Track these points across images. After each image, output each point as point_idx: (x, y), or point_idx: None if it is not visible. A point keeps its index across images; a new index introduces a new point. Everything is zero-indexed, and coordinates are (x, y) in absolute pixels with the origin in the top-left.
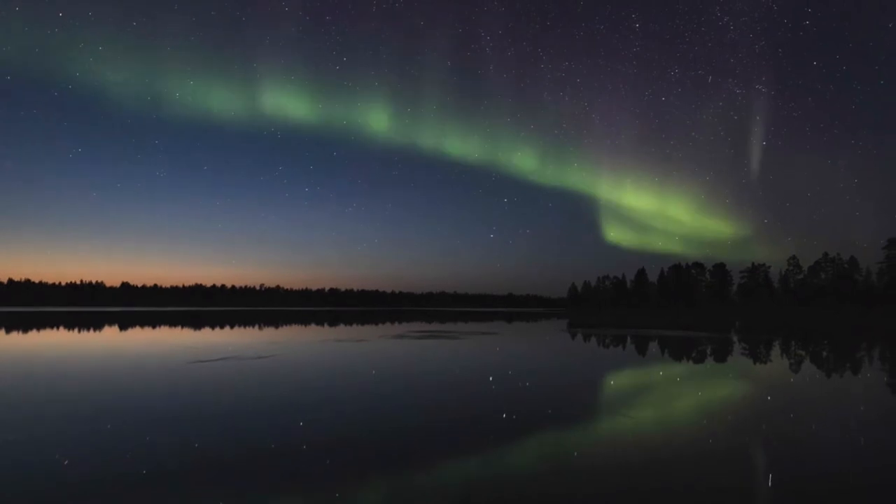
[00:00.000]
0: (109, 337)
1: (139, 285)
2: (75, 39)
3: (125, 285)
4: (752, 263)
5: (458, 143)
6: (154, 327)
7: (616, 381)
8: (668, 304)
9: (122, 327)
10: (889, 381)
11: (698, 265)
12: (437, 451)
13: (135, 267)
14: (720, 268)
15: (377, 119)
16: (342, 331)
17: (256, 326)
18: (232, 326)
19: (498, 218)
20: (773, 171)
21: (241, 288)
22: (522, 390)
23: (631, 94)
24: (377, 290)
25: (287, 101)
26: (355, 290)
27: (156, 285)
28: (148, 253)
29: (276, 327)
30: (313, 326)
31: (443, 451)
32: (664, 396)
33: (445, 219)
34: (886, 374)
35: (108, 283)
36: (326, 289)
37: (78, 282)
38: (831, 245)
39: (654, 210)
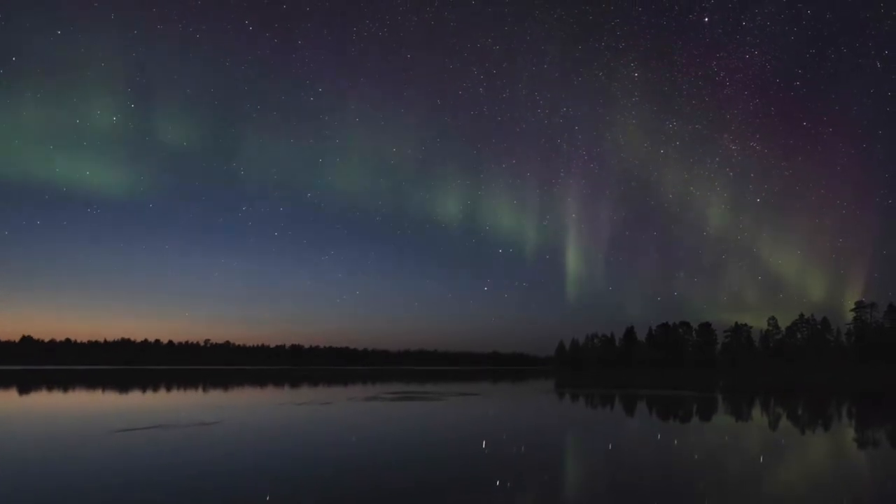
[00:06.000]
0: (4, 401)
1: (45, 339)
2: None
3: (27, 339)
4: (736, 323)
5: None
6: (66, 389)
7: (612, 450)
8: (655, 362)
9: (23, 390)
10: (856, 437)
11: (685, 324)
12: None
13: (40, 318)
14: (706, 327)
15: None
16: (305, 393)
17: (200, 388)
18: (169, 388)
19: (488, 272)
20: (766, 228)
21: (180, 344)
22: (517, 466)
23: (629, 144)
24: (347, 348)
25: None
26: (322, 346)
27: (68, 339)
28: (59, 301)
29: (225, 389)
30: (270, 388)
31: None
32: (660, 464)
33: (432, 270)
34: (853, 430)
35: (3, 338)
36: (287, 345)
37: None
38: (811, 306)
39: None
